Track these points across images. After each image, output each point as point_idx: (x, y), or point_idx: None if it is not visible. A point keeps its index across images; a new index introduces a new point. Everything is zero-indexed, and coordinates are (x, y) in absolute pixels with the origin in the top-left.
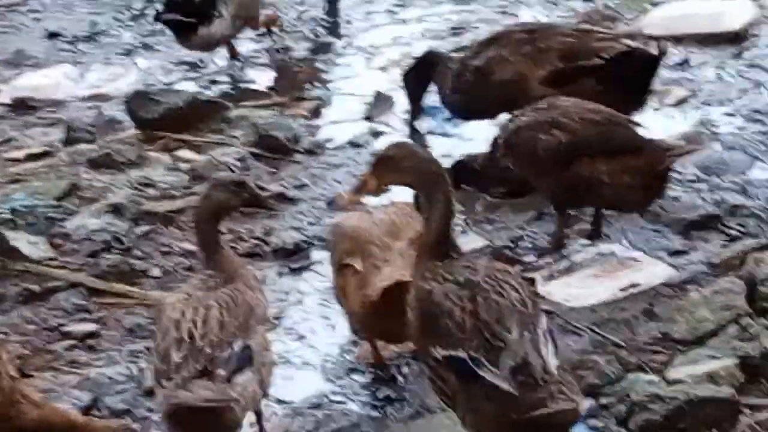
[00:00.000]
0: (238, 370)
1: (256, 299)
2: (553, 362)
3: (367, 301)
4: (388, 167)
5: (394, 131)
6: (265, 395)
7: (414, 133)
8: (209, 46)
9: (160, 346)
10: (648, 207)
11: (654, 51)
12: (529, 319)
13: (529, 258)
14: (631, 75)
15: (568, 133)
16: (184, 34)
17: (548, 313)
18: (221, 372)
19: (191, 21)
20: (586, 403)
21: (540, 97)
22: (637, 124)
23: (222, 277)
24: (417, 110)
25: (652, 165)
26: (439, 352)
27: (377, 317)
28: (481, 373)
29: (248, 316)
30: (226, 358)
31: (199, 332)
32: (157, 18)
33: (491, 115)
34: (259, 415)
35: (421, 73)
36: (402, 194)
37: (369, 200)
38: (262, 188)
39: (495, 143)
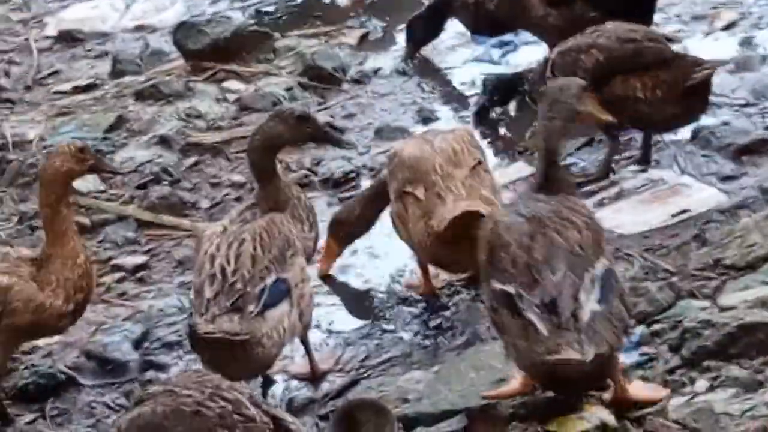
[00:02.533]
0: (272, 305)
1: (295, 231)
2: (589, 309)
3: (432, 232)
4: None
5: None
6: (306, 327)
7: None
8: None
9: (196, 281)
10: (688, 123)
11: None
12: (580, 262)
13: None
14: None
15: (605, 52)
16: None
17: None
18: (251, 308)
19: None
20: (636, 332)
21: (540, 15)
22: (671, 40)
23: (265, 208)
24: (413, 53)
25: (682, 78)
26: (495, 285)
27: (441, 248)
28: (522, 308)
29: (284, 248)
30: (258, 293)
31: (231, 268)
32: None
33: (507, 29)
34: (306, 345)
35: (432, 21)
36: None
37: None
38: (333, 126)
39: (544, 65)
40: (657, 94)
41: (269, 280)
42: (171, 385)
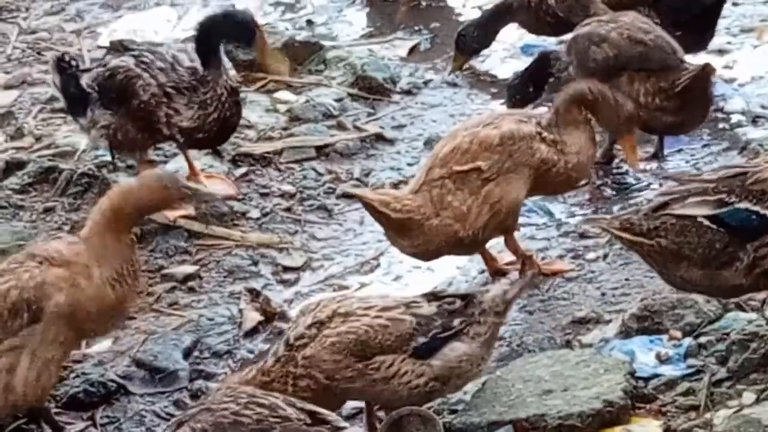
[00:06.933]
0: None
1: None
2: None
3: None
4: None
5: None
6: None
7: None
8: None
9: None
10: (687, 132)
11: None
12: None
13: None
14: (688, 14)
15: (614, 48)
16: None
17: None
18: None
19: None
20: (684, 343)
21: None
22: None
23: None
24: (463, 63)
25: (671, 86)
26: None
27: None
28: None
29: None
30: None
31: None
32: None
33: (569, 28)
34: None
35: (486, 28)
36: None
37: None
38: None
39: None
40: (655, 102)
41: None
42: (207, 403)
